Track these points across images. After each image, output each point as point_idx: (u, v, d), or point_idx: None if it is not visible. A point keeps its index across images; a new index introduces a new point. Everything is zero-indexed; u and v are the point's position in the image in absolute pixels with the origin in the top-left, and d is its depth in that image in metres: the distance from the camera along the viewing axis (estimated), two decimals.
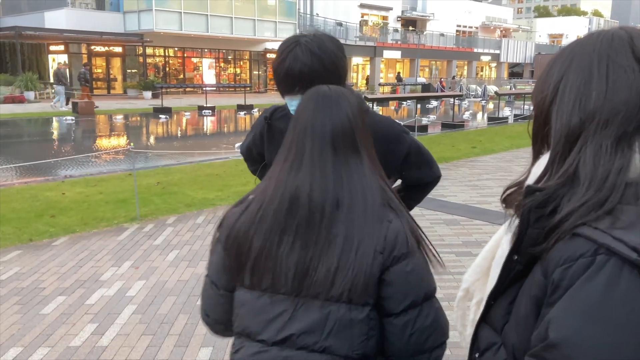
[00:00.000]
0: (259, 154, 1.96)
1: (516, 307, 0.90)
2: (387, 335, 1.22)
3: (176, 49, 32.61)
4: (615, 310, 0.71)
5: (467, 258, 4.74)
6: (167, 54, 32.83)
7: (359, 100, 1.31)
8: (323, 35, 1.70)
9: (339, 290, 1.16)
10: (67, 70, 23.93)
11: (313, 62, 1.60)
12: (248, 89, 25.69)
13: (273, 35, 32.97)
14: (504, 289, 0.93)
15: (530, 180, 0.91)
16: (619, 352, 0.70)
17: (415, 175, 1.89)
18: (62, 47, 28.82)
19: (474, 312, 1.07)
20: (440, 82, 35.70)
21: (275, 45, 28.07)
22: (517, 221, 0.88)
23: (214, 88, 30.58)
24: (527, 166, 0.99)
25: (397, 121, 1.93)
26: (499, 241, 1.01)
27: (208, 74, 34.10)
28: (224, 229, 1.31)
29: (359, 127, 1.26)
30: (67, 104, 21.18)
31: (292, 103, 1.67)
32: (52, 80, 25.86)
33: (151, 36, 29.21)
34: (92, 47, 29.74)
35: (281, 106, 1.88)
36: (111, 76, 31.30)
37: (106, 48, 30.29)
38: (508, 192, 0.97)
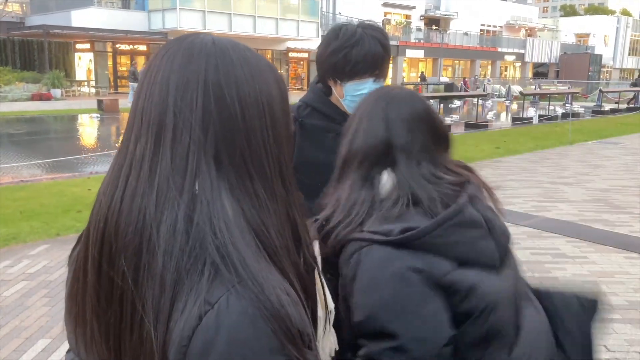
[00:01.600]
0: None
1: (339, 314, 1.09)
2: None
3: None
4: (385, 276, 1.02)
5: None
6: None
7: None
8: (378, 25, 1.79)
9: None
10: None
11: (387, 46, 1.72)
12: None
13: (295, 35, 33.02)
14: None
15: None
16: (380, 304, 1.01)
17: None
18: (88, 46, 29.29)
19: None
20: (464, 81, 35.32)
21: (298, 44, 28.22)
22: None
23: None
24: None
25: None
26: None
27: None
28: None
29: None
30: None
31: (360, 88, 1.65)
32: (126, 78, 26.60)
33: (175, 34, 29.42)
34: (117, 46, 30.17)
35: (301, 103, 1.83)
36: (135, 75, 31.67)
37: (131, 46, 30.69)
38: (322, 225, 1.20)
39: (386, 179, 1.13)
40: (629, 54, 66.85)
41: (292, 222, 0.71)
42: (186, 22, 28.83)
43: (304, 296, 0.67)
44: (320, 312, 0.80)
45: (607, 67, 60.39)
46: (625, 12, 79.13)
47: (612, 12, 77.47)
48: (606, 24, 64.09)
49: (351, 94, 1.67)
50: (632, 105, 24.27)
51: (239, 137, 0.66)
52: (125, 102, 21.66)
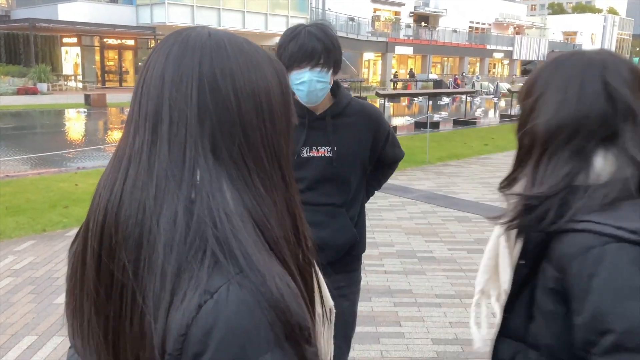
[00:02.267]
0: None
1: (539, 308, 0.99)
2: None
3: None
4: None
5: (479, 255, 4.71)
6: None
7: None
8: (324, 23, 1.95)
9: None
10: None
11: (326, 38, 1.85)
12: None
13: (285, 30, 32.91)
14: (517, 294, 1.04)
15: (521, 188, 1.04)
16: None
17: (391, 153, 2.15)
18: (75, 40, 29.00)
19: (496, 307, 1.11)
20: (455, 78, 35.40)
21: None
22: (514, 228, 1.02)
23: None
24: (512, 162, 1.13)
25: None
26: (496, 241, 1.10)
27: None
28: None
29: None
30: None
31: (300, 76, 1.82)
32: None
33: (163, 29, 29.29)
34: (105, 40, 29.90)
35: None
36: (123, 69, 31.44)
37: (119, 41, 30.43)
38: (504, 188, 1.10)
39: (604, 160, 0.97)
40: (616, 52, 67.45)
41: (291, 215, 0.71)
42: (175, 16, 28.64)
43: (304, 289, 0.67)
44: (319, 309, 0.79)
45: None
46: (612, 11, 79.83)
47: (599, 11, 78.09)
48: (593, 22, 64.72)
49: (294, 83, 1.83)
50: None
51: (236, 129, 0.66)
52: (113, 97, 21.48)
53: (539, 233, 0.96)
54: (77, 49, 29.43)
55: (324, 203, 1.95)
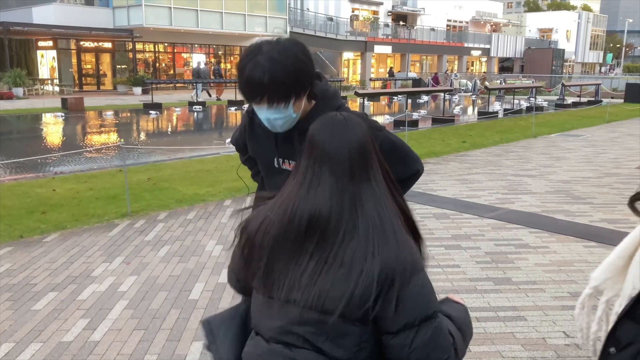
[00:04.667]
0: (244, 145, 2.08)
1: None
2: (387, 351, 1.23)
3: (166, 44, 32.44)
4: None
5: (457, 251, 4.79)
6: (157, 49, 32.64)
7: (371, 126, 1.33)
8: (286, 40, 1.67)
9: (331, 307, 1.18)
10: (208, 67, 26.91)
11: (274, 70, 1.55)
12: (218, 84, 25.63)
13: (264, 31, 32.86)
14: None
15: None
16: None
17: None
18: (50, 43, 28.60)
19: (603, 309, 1.08)
20: (435, 77, 35.63)
21: None
22: None
23: (205, 84, 30.43)
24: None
25: (372, 118, 1.94)
26: (637, 240, 0.99)
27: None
28: (244, 235, 1.34)
29: (373, 152, 1.28)
30: (209, 95, 25.52)
31: (260, 112, 1.68)
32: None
33: (141, 32, 29.04)
34: (81, 43, 29.54)
35: (248, 109, 1.97)
36: (100, 72, 31.09)
37: (95, 44, 30.08)
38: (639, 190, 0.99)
39: None
40: (590, 49, 68.56)
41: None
42: (152, 18, 28.41)
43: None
44: None
45: (570, 61, 61.87)
46: (586, 8, 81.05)
47: (574, 8, 79.21)
48: (568, 19, 65.57)
49: (261, 117, 1.71)
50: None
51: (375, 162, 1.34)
52: (90, 101, 21.23)
53: None
54: (53, 53, 29.02)
55: None
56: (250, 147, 2.01)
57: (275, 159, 1.91)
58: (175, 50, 33.04)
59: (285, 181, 1.93)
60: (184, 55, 33.88)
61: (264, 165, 1.98)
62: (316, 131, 1.29)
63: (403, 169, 1.87)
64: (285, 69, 1.57)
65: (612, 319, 1.04)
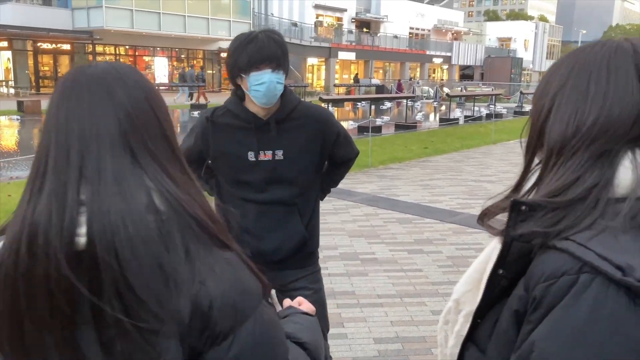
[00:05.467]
0: (199, 153, 2.11)
1: (499, 323, 0.85)
2: None
3: (127, 47, 31.86)
4: (600, 335, 0.68)
5: (419, 255, 4.87)
6: (117, 52, 32.01)
7: (145, 83, 0.87)
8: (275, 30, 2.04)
9: None
10: (195, 71, 26.79)
11: (281, 42, 1.95)
12: (202, 88, 25.44)
13: (227, 35, 32.64)
14: (491, 306, 0.89)
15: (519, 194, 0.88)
16: None
17: (342, 153, 2.23)
18: (5, 44, 27.72)
19: (461, 323, 0.99)
20: (399, 83, 36.07)
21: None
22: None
23: (167, 87, 30.05)
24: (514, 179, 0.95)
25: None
26: (490, 253, 0.94)
27: (160, 73, 33.47)
28: None
29: (142, 122, 0.82)
30: (191, 99, 24.86)
31: (260, 78, 1.89)
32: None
33: (101, 34, 28.45)
34: (39, 44, 28.73)
35: (219, 106, 2.12)
36: (59, 74, 30.26)
37: (53, 45, 29.31)
38: (488, 206, 0.93)
39: (629, 169, 0.77)
40: (547, 58, 70.76)
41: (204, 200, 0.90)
42: (113, 20, 27.86)
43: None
44: None
45: (528, 69, 63.66)
46: (543, 18, 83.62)
47: (531, 18, 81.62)
48: (526, 29, 67.56)
49: (253, 85, 1.90)
50: None
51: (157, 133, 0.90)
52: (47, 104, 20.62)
53: (522, 244, 0.81)
54: (8, 54, 28.13)
55: (275, 203, 2.06)
56: (217, 148, 2.07)
57: (251, 152, 2.02)
58: (136, 53, 32.48)
59: (262, 175, 2.04)
60: (146, 59, 33.33)
61: (233, 164, 2.06)
62: (53, 95, 0.85)
63: (351, 150, 2.28)
64: (286, 47, 1.97)
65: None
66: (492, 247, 0.94)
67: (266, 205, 2.05)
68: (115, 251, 0.73)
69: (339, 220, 5.96)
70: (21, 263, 0.74)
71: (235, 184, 2.08)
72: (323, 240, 5.43)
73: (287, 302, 1.16)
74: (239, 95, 2.04)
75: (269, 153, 2.02)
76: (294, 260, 2.14)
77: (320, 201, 2.32)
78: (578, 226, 0.75)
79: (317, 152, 2.10)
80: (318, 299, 2.20)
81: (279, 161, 2.03)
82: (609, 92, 0.80)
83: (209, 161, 2.15)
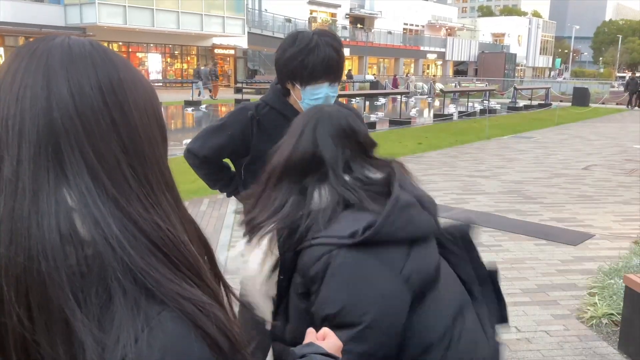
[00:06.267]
0: (232, 153, 2.01)
1: (293, 310, 1.30)
2: None
3: (120, 43, 31.73)
4: (357, 276, 1.20)
5: None
6: (110, 48, 31.81)
7: (109, 70, 0.64)
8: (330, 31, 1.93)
9: None
10: (209, 69, 27.22)
11: (341, 52, 1.85)
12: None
13: (221, 31, 32.57)
14: (279, 304, 1.33)
15: (268, 216, 1.31)
16: (363, 298, 1.19)
17: None
18: None
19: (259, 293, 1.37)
20: (394, 80, 36.05)
21: (224, 41, 27.82)
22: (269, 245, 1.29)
23: (160, 84, 29.97)
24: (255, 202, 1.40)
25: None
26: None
27: (154, 69, 33.37)
28: None
29: (86, 122, 0.59)
30: (205, 95, 25.53)
31: (317, 92, 1.80)
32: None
33: (94, 30, 28.32)
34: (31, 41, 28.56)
35: (259, 103, 1.99)
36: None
37: None
38: (250, 222, 1.35)
39: (321, 193, 1.29)
40: (540, 53, 70.95)
41: (187, 225, 0.65)
42: (106, 17, 27.75)
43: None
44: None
45: (521, 65, 63.82)
46: (536, 14, 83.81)
47: (525, 14, 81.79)
48: (519, 25, 67.69)
49: (309, 98, 1.81)
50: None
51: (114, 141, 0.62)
52: None
53: (290, 253, 1.27)
54: (0, 50, 27.97)
55: None
56: (260, 148, 1.88)
57: None
58: (130, 50, 32.36)
59: None
60: (139, 55, 33.22)
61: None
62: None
63: None
64: (342, 52, 1.85)
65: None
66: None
67: None
68: (25, 294, 0.54)
69: None
70: None
71: None
72: None
73: (310, 334, 0.98)
74: (282, 91, 1.91)
75: None
76: None
77: None
78: (314, 230, 1.24)
79: None
80: None
81: None
82: (297, 145, 1.34)
83: (243, 163, 2.00)
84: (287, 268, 1.28)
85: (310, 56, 1.75)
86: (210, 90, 26.22)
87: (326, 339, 0.96)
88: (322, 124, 1.34)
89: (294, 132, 1.36)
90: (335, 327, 1.08)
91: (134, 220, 0.57)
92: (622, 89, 28.45)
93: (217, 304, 0.60)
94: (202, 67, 28.06)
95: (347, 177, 1.30)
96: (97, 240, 0.55)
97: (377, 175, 1.35)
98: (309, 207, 1.27)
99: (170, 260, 0.58)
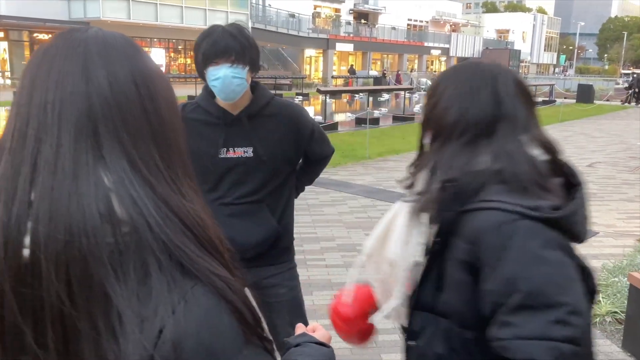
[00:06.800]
0: None
1: (449, 278, 1.12)
2: None
3: None
4: (548, 253, 1.00)
5: None
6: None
7: (138, 60, 0.69)
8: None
9: None
10: None
11: (242, 35, 1.86)
12: (199, 79, 25.45)
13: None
14: (429, 270, 1.17)
15: (424, 175, 1.19)
16: (561, 276, 1.00)
17: (318, 150, 2.17)
18: (2, 35, 27.58)
19: (398, 278, 1.24)
20: (397, 75, 35.93)
21: None
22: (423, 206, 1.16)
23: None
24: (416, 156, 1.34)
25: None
26: (396, 213, 1.29)
27: (157, 64, 33.33)
28: None
29: (121, 108, 0.63)
30: None
31: (215, 73, 1.84)
32: None
33: (98, 24, 27.68)
34: (35, 35, 28.59)
35: (189, 102, 2.08)
36: None
37: (50, 36, 28.95)
38: (410, 178, 1.26)
39: (487, 154, 1.12)
40: (545, 50, 70.71)
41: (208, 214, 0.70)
42: (110, 11, 27.71)
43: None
44: None
45: (526, 62, 63.57)
46: (541, 10, 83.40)
47: (529, 10, 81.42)
48: (524, 21, 67.41)
49: (210, 80, 1.87)
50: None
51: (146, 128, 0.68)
52: None
53: (451, 212, 1.09)
54: (5, 44, 28.00)
55: (244, 202, 2.00)
56: (189, 145, 1.94)
57: (221, 149, 1.97)
58: None
59: (230, 172, 1.97)
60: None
61: (201, 161, 1.94)
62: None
63: (327, 147, 2.21)
64: (248, 39, 1.87)
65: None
66: (397, 209, 1.28)
67: (235, 204, 1.99)
68: (66, 269, 0.56)
69: (337, 212, 5.96)
70: None
71: (203, 183, 1.97)
72: (321, 232, 5.45)
73: (300, 327, 1.05)
74: (209, 90, 1.97)
75: (240, 150, 1.96)
76: (268, 256, 2.07)
77: (295, 198, 2.24)
78: (487, 191, 1.07)
79: (290, 149, 2.04)
80: (294, 297, 2.16)
81: (248, 158, 1.97)
82: (474, 102, 1.16)
83: None
84: (444, 231, 1.12)
85: (204, 41, 1.85)
86: None
87: (316, 332, 1.02)
88: (501, 80, 1.17)
89: (461, 90, 1.19)
90: (522, 309, 0.96)
91: (166, 201, 0.62)
92: (627, 85, 28.40)
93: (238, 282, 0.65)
94: None
95: (520, 145, 1.13)
96: (135, 219, 0.59)
97: (543, 156, 1.16)
98: (479, 167, 1.10)
99: (198, 240, 0.63)
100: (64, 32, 0.67)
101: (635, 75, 28.97)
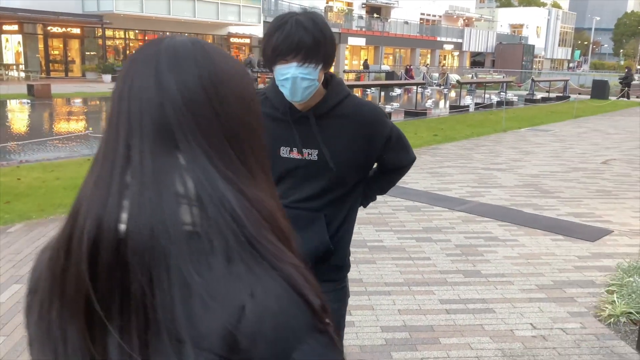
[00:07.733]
0: None
1: None
2: None
3: (137, 31, 31.82)
4: None
5: (427, 244, 4.84)
6: (127, 36, 31.99)
7: (209, 64, 0.72)
8: (320, 14, 1.75)
9: None
10: (256, 58, 27.00)
11: (315, 29, 1.64)
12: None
13: (237, 20, 32.48)
14: None
15: None
16: None
17: (394, 158, 1.93)
18: (16, 27, 27.77)
19: None
20: (409, 69, 35.70)
21: (240, 30, 27.89)
22: None
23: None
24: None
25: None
26: None
27: None
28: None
29: (193, 113, 0.69)
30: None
31: (284, 72, 1.65)
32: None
33: (111, 18, 28.40)
34: (49, 28, 28.76)
35: (259, 91, 1.86)
36: (69, 58, 30.36)
37: (63, 29, 29.31)
38: None
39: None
40: (559, 45, 69.90)
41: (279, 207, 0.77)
42: (123, 5, 27.80)
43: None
44: None
45: (539, 57, 62.91)
46: (556, 5, 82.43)
47: (544, 5, 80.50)
48: (538, 16, 66.63)
49: (278, 79, 1.68)
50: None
51: (235, 129, 0.73)
52: (58, 88, 20.74)
53: None
54: (19, 37, 28.19)
55: (300, 207, 1.81)
56: None
57: (284, 149, 1.79)
58: (146, 38, 32.42)
59: (290, 174, 1.80)
60: None
61: None
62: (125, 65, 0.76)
63: (405, 156, 1.96)
64: (323, 31, 1.66)
65: None
66: None
67: (290, 207, 1.78)
68: (151, 256, 0.63)
69: None
70: (62, 247, 0.69)
71: None
72: None
73: None
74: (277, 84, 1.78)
75: (305, 151, 1.77)
76: (315, 271, 1.94)
77: (364, 208, 2.07)
78: None
79: (360, 156, 1.82)
80: (334, 319, 2.07)
81: (311, 162, 1.77)
82: None
83: None
84: None
85: (276, 33, 1.63)
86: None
87: None
88: None
89: None
90: None
91: (245, 194, 0.68)
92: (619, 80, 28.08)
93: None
94: (252, 56, 28.12)
95: None
96: (214, 211, 0.65)
97: None
98: None
99: (273, 231, 0.68)
100: (143, 46, 0.74)
101: (627, 70, 28.57)
